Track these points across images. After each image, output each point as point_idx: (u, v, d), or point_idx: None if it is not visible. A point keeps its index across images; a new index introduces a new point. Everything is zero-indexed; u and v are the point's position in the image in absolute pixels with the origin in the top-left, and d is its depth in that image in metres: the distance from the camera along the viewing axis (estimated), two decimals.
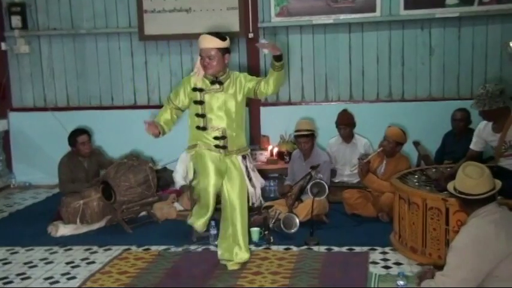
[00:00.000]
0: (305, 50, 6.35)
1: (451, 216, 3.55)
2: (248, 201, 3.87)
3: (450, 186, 2.84)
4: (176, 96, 3.75)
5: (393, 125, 5.10)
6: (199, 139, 3.71)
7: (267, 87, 3.64)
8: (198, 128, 3.70)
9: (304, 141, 5.03)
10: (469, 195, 2.67)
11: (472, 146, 4.25)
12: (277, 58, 3.53)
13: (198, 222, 3.85)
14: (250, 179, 3.82)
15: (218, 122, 3.67)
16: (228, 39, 3.67)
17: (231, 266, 3.77)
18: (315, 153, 5.11)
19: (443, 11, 5.96)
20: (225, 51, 3.65)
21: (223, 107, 3.66)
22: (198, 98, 3.68)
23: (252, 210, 4.37)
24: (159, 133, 3.70)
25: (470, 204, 2.70)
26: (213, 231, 4.31)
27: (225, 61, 3.66)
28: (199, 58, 3.69)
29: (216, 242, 4.18)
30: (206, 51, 3.59)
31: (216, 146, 3.69)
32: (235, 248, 3.78)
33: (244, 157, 3.81)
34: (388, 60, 6.22)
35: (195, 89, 3.68)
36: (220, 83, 3.67)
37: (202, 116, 3.68)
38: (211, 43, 3.60)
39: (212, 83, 3.67)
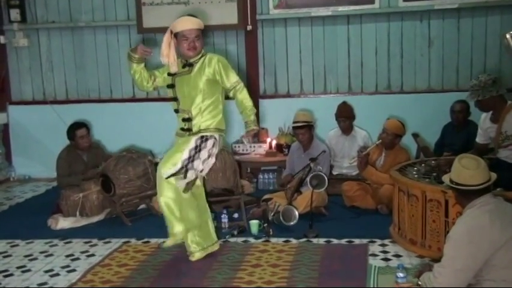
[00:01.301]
0: (304, 42, 6.33)
1: (451, 208, 3.56)
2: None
3: (446, 178, 2.85)
4: (157, 71, 3.80)
5: (392, 117, 5.10)
6: (178, 124, 3.75)
7: (238, 101, 3.68)
8: (174, 111, 3.75)
9: (301, 132, 5.03)
10: (465, 186, 2.69)
11: (477, 139, 4.29)
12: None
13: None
14: (192, 160, 3.58)
15: (185, 104, 3.66)
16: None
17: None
18: (314, 144, 5.11)
19: (442, 2, 5.95)
20: (202, 32, 3.68)
21: (191, 90, 3.64)
22: (170, 82, 3.72)
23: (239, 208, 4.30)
24: (144, 59, 3.71)
25: (466, 195, 2.72)
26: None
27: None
28: (166, 43, 3.61)
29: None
30: (192, 32, 3.58)
31: (182, 129, 3.69)
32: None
33: (204, 138, 3.63)
34: (387, 52, 6.21)
35: (169, 74, 3.72)
36: (191, 65, 3.65)
37: (175, 99, 3.72)
38: (197, 24, 3.61)
39: (183, 66, 3.68)
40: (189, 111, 3.65)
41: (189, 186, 3.67)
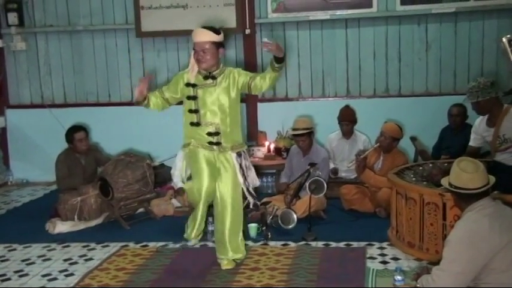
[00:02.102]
0: (302, 46, 6.35)
1: (448, 211, 3.57)
2: (244, 201, 3.84)
3: (444, 181, 2.85)
4: (167, 89, 3.75)
5: (390, 121, 5.11)
6: (192, 137, 3.70)
7: (262, 83, 3.60)
8: (192, 124, 3.67)
9: (302, 139, 5.04)
10: (465, 190, 2.68)
11: (470, 143, 4.30)
12: (279, 59, 3.50)
13: (192, 235, 3.96)
14: (245, 178, 3.77)
15: (211, 117, 3.64)
16: (222, 33, 3.65)
17: (224, 266, 3.74)
18: (313, 149, 5.12)
19: (440, 7, 5.97)
20: (219, 45, 3.61)
21: (216, 102, 3.63)
22: (192, 93, 3.65)
23: (247, 208, 4.35)
24: (144, 99, 3.66)
25: (465, 198, 2.72)
26: (210, 228, 4.33)
27: (219, 55, 3.63)
28: (192, 54, 3.66)
29: (213, 239, 4.19)
30: (200, 45, 3.56)
31: (210, 143, 3.66)
32: (223, 248, 3.76)
33: (239, 154, 3.74)
34: (385, 55, 6.23)
35: (188, 85, 3.66)
36: (214, 78, 3.63)
37: (196, 111, 3.65)
38: (206, 36, 3.57)
39: (205, 77, 3.64)
40: (215, 124, 3.63)
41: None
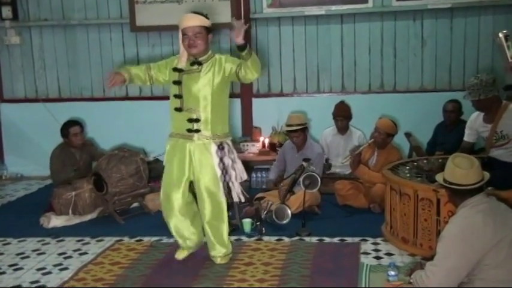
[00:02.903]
0: (297, 41, 6.34)
1: (442, 207, 3.58)
2: (229, 198, 3.75)
3: (439, 177, 2.86)
4: (156, 67, 3.73)
5: (384, 117, 5.12)
6: (175, 124, 3.66)
7: (247, 72, 3.50)
8: (175, 109, 3.62)
9: (296, 135, 5.04)
10: (459, 186, 2.69)
11: (465, 138, 4.30)
12: (240, 47, 3.39)
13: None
14: (226, 172, 3.63)
15: (193, 103, 3.58)
16: (209, 20, 3.62)
17: (218, 261, 3.74)
18: (308, 144, 5.12)
19: (436, 2, 5.98)
20: (209, 30, 3.59)
21: (199, 89, 3.57)
22: (177, 78, 3.63)
23: (231, 207, 4.31)
24: (124, 80, 3.65)
25: (459, 194, 2.73)
26: None
27: (208, 41, 3.60)
28: (181, 42, 3.60)
29: None
30: (192, 29, 3.51)
31: (189, 130, 3.59)
32: (210, 244, 3.74)
33: (221, 147, 3.63)
34: (380, 51, 6.23)
35: (175, 69, 3.64)
36: (200, 64, 3.59)
37: (180, 96, 3.61)
38: (197, 21, 3.54)
39: (192, 64, 3.61)
40: (196, 110, 3.57)
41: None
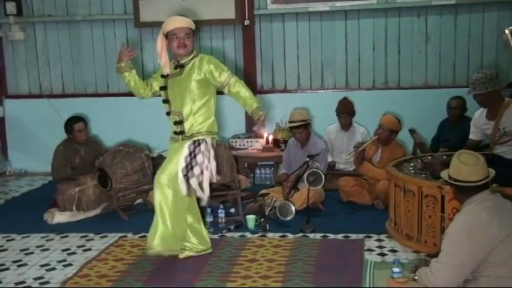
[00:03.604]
0: (301, 37, 6.33)
1: (447, 203, 3.57)
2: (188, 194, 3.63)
3: (444, 174, 2.85)
4: (151, 79, 3.78)
5: (388, 113, 5.10)
6: (171, 129, 3.70)
7: (236, 96, 3.58)
8: (166, 113, 3.70)
9: (298, 131, 5.03)
10: (465, 183, 2.68)
11: (470, 136, 4.31)
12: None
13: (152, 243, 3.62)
14: (191, 167, 3.54)
15: (177, 106, 3.62)
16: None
17: (182, 255, 3.74)
18: (311, 141, 5.11)
19: None
20: (193, 34, 3.66)
21: (181, 90, 3.59)
22: (163, 84, 3.68)
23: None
24: (132, 61, 3.68)
25: (465, 191, 2.72)
26: (208, 219, 4.32)
27: (193, 43, 3.66)
28: (160, 42, 3.59)
29: (211, 229, 4.21)
30: (182, 30, 3.55)
31: (175, 133, 3.64)
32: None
33: (197, 143, 3.57)
34: (384, 47, 6.21)
35: (162, 76, 3.69)
36: (182, 67, 3.61)
37: (167, 101, 3.67)
38: (187, 22, 3.59)
39: (175, 68, 3.65)
40: (180, 112, 3.60)
41: (192, 192, 3.61)
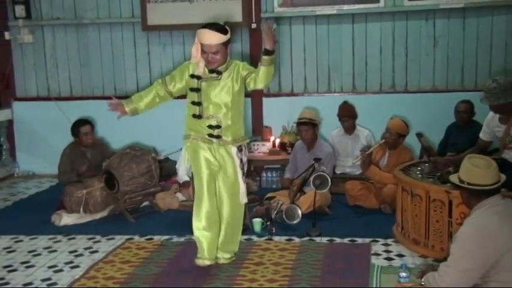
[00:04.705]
0: (308, 40, 6.32)
1: (454, 208, 3.56)
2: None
3: (454, 178, 2.82)
4: (172, 80, 3.66)
5: (396, 117, 5.09)
6: (193, 128, 3.64)
7: (254, 83, 3.51)
8: (194, 116, 3.61)
9: (305, 129, 5.02)
10: (478, 186, 2.65)
11: (481, 135, 4.23)
12: (267, 52, 3.36)
13: (198, 233, 3.66)
14: (243, 174, 3.69)
15: (213, 110, 3.58)
16: (229, 30, 3.56)
17: (222, 261, 3.76)
18: (318, 144, 5.11)
19: (448, 2, 5.93)
20: (228, 42, 3.55)
21: (219, 96, 3.57)
22: (195, 86, 3.60)
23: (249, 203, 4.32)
24: (125, 113, 3.65)
25: (477, 195, 2.68)
26: None
27: (227, 52, 3.57)
28: (196, 47, 3.55)
29: None
30: (209, 48, 3.46)
31: (210, 135, 3.60)
32: (220, 244, 3.74)
33: (240, 149, 3.67)
34: (392, 51, 6.20)
35: (192, 76, 3.61)
36: (219, 72, 3.57)
37: (198, 104, 3.60)
38: (215, 39, 3.45)
39: (210, 71, 3.59)
40: (217, 117, 3.57)
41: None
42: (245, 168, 3.73)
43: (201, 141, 3.62)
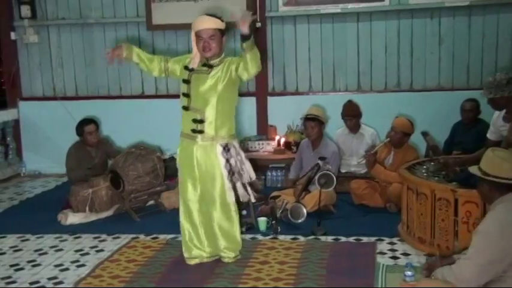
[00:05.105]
0: (313, 39, 6.32)
1: (460, 207, 3.54)
2: (238, 199, 3.72)
3: (474, 170, 2.73)
4: (174, 61, 3.73)
5: (401, 116, 5.08)
6: (183, 124, 3.67)
7: (247, 71, 3.45)
8: (183, 108, 3.64)
9: (311, 125, 5.02)
10: (505, 180, 2.58)
11: (488, 135, 4.25)
12: (243, 37, 3.32)
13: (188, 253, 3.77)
14: (233, 173, 3.62)
15: (200, 104, 3.57)
16: (224, 22, 3.58)
17: (226, 261, 3.75)
18: (323, 143, 5.10)
19: (453, 0, 5.90)
20: (223, 32, 3.57)
21: (206, 90, 3.55)
22: (186, 77, 3.63)
23: (246, 206, 4.33)
24: (123, 56, 3.64)
25: (501, 189, 2.61)
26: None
27: (223, 43, 3.58)
28: (193, 40, 3.58)
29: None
30: (207, 32, 3.48)
31: (193, 131, 3.58)
32: (219, 245, 3.75)
33: (227, 149, 3.61)
34: (397, 49, 6.18)
35: (186, 68, 3.64)
36: (210, 66, 3.57)
37: (187, 95, 3.62)
38: (213, 23, 3.50)
39: (203, 65, 3.60)
40: (202, 111, 3.57)
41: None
42: (236, 169, 3.64)
43: (185, 138, 3.65)
